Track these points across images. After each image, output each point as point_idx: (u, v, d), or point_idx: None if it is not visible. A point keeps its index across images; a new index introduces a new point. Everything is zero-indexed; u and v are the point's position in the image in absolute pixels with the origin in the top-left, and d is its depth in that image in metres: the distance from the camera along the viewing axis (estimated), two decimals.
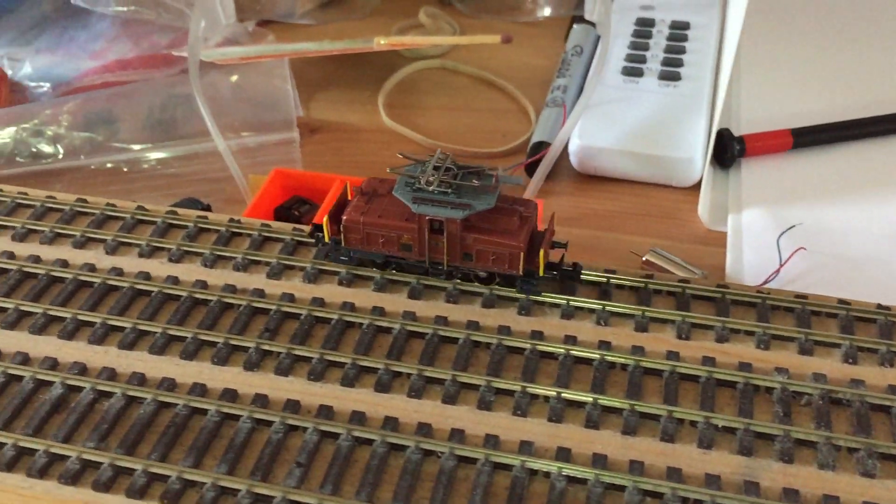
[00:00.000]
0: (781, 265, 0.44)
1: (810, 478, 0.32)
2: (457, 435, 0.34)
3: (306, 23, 0.71)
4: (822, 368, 0.36)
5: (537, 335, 0.38)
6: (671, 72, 0.55)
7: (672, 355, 0.36)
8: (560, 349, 0.37)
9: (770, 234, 0.47)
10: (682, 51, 0.57)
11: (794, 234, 0.46)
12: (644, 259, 0.46)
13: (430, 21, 0.68)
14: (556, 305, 0.39)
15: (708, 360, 0.36)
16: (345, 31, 0.70)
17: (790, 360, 0.36)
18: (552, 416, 0.34)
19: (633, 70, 0.56)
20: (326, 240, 0.40)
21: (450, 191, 0.37)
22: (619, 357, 0.36)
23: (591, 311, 0.39)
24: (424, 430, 0.34)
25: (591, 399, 0.35)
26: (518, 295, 0.39)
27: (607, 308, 0.39)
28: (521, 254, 0.37)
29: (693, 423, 0.34)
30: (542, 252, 0.37)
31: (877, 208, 0.49)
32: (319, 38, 0.67)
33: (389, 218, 0.38)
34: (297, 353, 0.37)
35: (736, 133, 0.53)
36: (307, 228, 0.43)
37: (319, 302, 0.39)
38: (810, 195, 0.50)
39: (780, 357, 0.36)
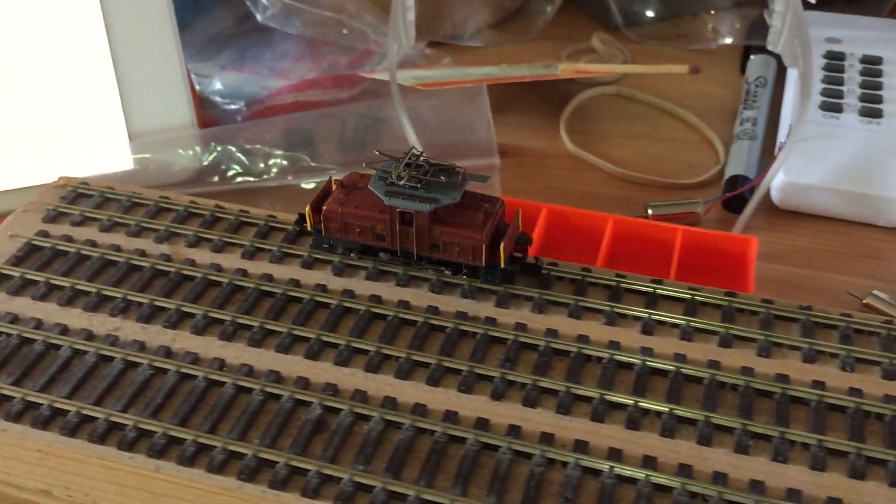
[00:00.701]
0: None
1: None
2: (720, 479, 0.34)
3: (474, 44, 0.72)
4: None
5: (783, 378, 0.37)
6: (873, 108, 0.55)
7: None
8: (812, 394, 0.37)
9: None
10: (880, 86, 0.57)
11: None
12: (864, 301, 0.45)
13: (603, 47, 0.68)
14: (797, 348, 0.39)
15: None
16: (514, 53, 0.70)
17: None
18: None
19: (831, 105, 0.55)
20: (309, 228, 0.43)
21: (419, 186, 0.40)
22: (874, 406, 0.36)
23: (834, 356, 0.38)
24: (686, 471, 0.34)
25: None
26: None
27: (852, 354, 0.38)
28: (484, 246, 0.40)
29: None
30: (502, 245, 0.39)
31: None
32: (491, 61, 0.68)
33: (364, 209, 0.41)
34: (542, 384, 0.38)
35: None
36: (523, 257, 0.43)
37: (554, 334, 0.40)
38: None
39: None
